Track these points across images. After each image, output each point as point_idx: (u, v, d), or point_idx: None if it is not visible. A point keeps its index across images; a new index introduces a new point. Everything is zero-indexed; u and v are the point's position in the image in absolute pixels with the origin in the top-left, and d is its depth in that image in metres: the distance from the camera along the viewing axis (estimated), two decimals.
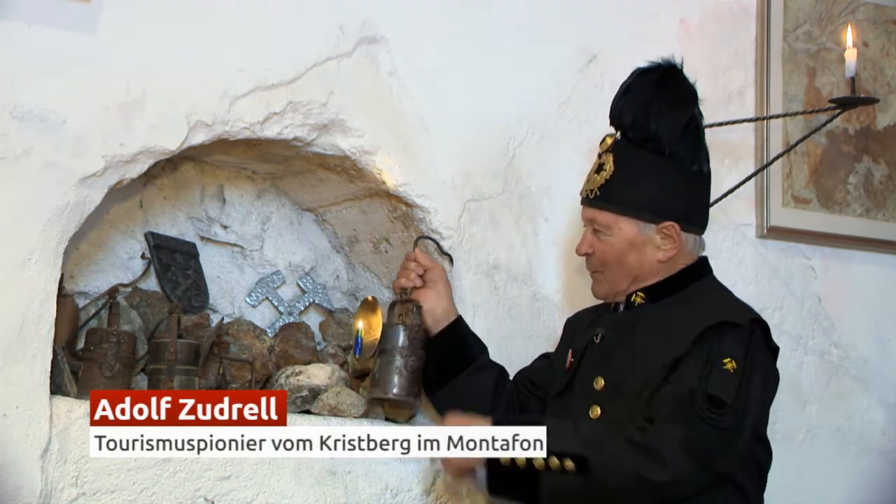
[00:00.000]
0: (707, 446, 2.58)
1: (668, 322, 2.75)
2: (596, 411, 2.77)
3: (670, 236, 2.80)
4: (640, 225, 2.79)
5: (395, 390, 2.94)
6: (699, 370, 2.61)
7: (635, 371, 2.71)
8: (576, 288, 3.29)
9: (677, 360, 2.65)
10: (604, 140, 2.86)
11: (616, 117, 2.84)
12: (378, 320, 3.00)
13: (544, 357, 3.04)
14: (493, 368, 2.99)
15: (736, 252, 3.54)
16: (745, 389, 2.63)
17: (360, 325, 2.99)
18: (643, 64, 2.90)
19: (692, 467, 2.56)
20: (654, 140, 2.78)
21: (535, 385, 2.95)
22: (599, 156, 2.85)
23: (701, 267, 2.87)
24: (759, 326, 2.72)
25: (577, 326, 2.99)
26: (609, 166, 2.80)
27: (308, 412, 3.04)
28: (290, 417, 2.94)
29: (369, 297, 3.02)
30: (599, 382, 2.79)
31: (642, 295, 2.82)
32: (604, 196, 2.79)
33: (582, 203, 2.87)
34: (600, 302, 2.96)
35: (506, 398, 2.92)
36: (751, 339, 2.68)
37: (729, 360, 2.62)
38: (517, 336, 3.14)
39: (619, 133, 2.84)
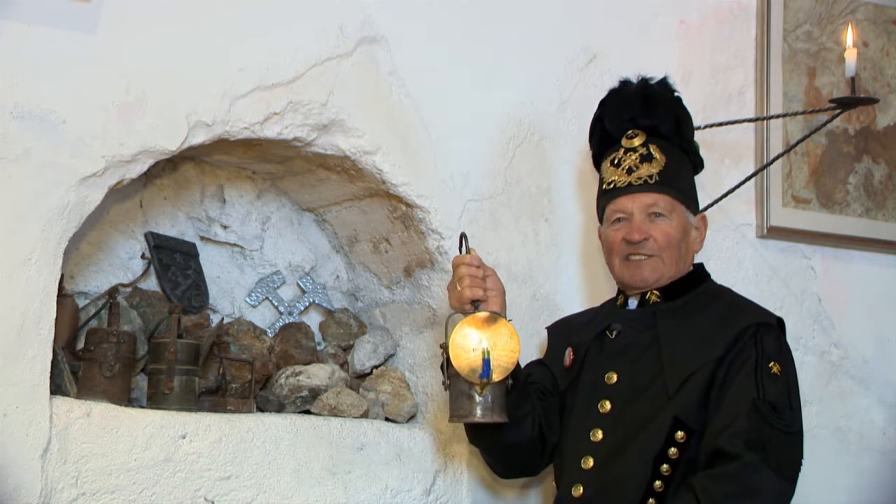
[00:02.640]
0: (787, 457, 2.63)
1: (693, 322, 2.79)
2: (606, 406, 2.78)
3: (699, 228, 2.92)
4: (687, 213, 2.89)
5: (504, 414, 2.69)
6: (752, 377, 2.66)
7: (664, 368, 2.73)
8: (575, 288, 3.29)
9: (719, 359, 2.69)
10: (628, 136, 2.90)
11: (645, 116, 2.90)
12: (505, 338, 2.65)
13: (539, 363, 3.01)
14: (527, 379, 2.91)
15: (736, 252, 3.54)
16: (792, 389, 2.71)
17: (484, 344, 2.63)
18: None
19: (784, 483, 2.63)
20: (683, 138, 2.92)
21: (550, 391, 2.93)
22: (633, 149, 2.87)
23: (704, 269, 2.94)
24: (781, 325, 2.79)
25: (567, 328, 3.00)
26: (659, 155, 2.86)
27: (308, 412, 3.04)
28: (290, 417, 2.95)
29: (486, 312, 2.67)
30: (612, 377, 2.80)
31: (657, 293, 2.85)
32: (664, 181, 2.84)
33: (631, 191, 2.85)
34: (573, 312, 3.06)
35: (538, 409, 2.89)
36: (780, 338, 2.76)
37: (773, 363, 2.69)
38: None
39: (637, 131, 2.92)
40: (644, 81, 2.95)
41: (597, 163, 3.00)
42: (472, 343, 2.63)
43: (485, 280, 2.73)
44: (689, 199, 2.90)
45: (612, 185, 2.87)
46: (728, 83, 3.57)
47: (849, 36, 3.18)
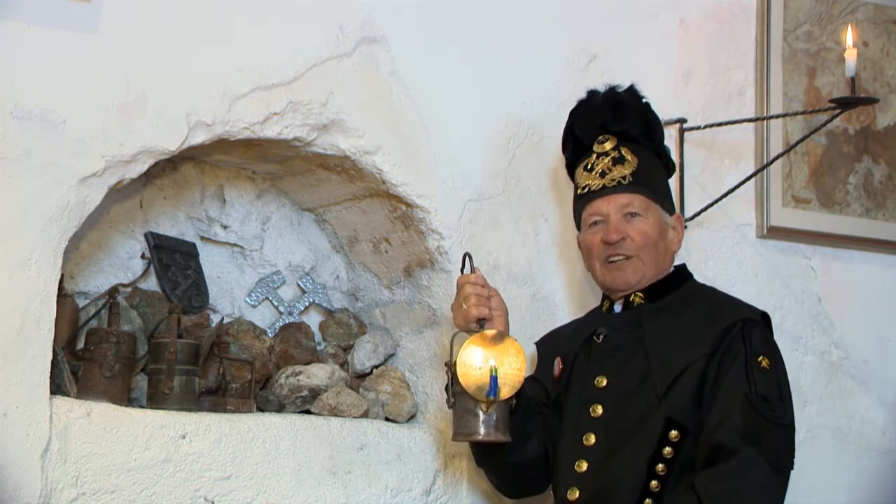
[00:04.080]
0: (781, 449, 2.64)
1: (679, 321, 2.80)
2: (597, 410, 2.78)
3: (676, 228, 2.93)
4: (663, 213, 2.90)
5: (508, 433, 2.70)
6: (743, 373, 2.67)
7: (651, 369, 2.74)
8: (575, 288, 3.29)
9: (707, 356, 2.70)
10: (599, 141, 2.92)
11: (615, 122, 2.92)
12: (512, 356, 2.68)
13: (531, 379, 2.96)
14: (529, 397, 2.90)
15: (736, 252, 3.54)
16: (781, 381, 2.72)
17: (491, 362, 2.65)
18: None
19: (779, 475, 2.63)
20: (653, 142, 2.94)
21: (547, 406, 2.92)
22: (605, 153, 2.90)
23: (686, 269, 2.96)
24: (766, 320, 2.80)
25: (555, 340, 3.01)
26: (630, 157, 2.88)
27: (308, 412, 3.04)
28: (290, 417, 2.95)
29: (492, 331, 2.71)
30: (602, 381, 2.80)
31: (641, 295, 2.85)
32: (637, 181, 2.86)
33: (606, 193, 2.86)
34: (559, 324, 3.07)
35: (541, 426, 2.89)
36: (766, 333, 2.77)
37: (762, 357, 2.70)
38: (517, 336, 3.12)
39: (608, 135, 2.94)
40: (612, 90, 2.98)
41: (570, 171, 3.03)
42: (479, 361, 2.65)
43: (489, 300, 2.78)
44: (663, 199, 2.92)
45: (586, 190, 2.90)
46: (728, 83, 3.57)
47: (849, 36, 3.18)
